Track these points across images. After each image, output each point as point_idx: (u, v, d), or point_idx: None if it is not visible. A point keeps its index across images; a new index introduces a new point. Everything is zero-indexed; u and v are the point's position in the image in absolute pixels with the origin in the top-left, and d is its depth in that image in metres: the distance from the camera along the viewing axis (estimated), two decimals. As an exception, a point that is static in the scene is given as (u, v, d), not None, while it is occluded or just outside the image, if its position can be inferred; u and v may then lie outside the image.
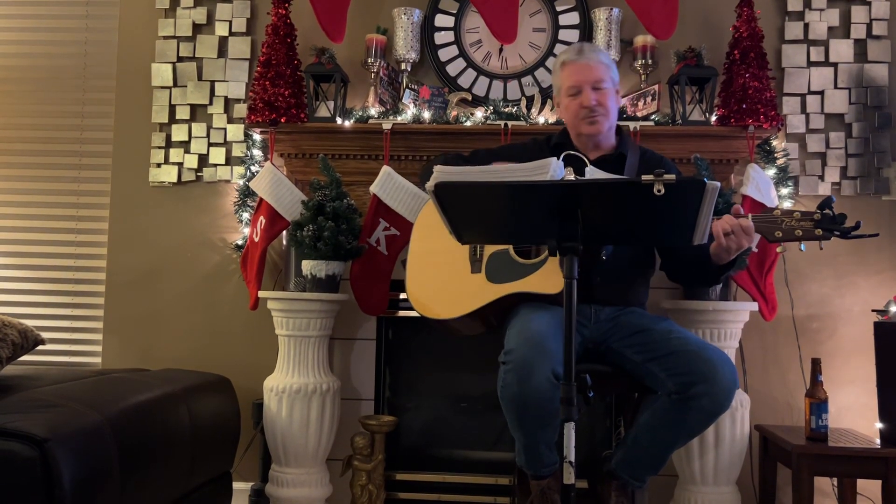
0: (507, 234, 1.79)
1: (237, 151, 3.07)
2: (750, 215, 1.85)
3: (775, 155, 2.83)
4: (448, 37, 3.03)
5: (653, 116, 2.77)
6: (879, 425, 2.46)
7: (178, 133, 3.10)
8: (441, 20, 3.04)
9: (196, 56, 3.13)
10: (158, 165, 3.11)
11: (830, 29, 2.96)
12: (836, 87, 2.95)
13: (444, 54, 3.03)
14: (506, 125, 2.76)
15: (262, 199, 2.77)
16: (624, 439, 2.09)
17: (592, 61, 2.18)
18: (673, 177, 1.36)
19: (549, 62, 2.96)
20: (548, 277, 2.02)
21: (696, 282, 2.46)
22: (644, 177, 1.38)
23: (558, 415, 1.83)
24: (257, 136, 2.97)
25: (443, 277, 2.18)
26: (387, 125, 2.79)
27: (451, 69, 3.02)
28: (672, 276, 2.24)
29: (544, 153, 2.17)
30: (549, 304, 2.01)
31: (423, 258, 2.25)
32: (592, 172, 1.99)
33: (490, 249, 2.16)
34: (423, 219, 2.31)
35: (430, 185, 1.53)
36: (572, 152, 2.15)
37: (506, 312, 2.09)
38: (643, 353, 1.99)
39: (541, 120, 2.79)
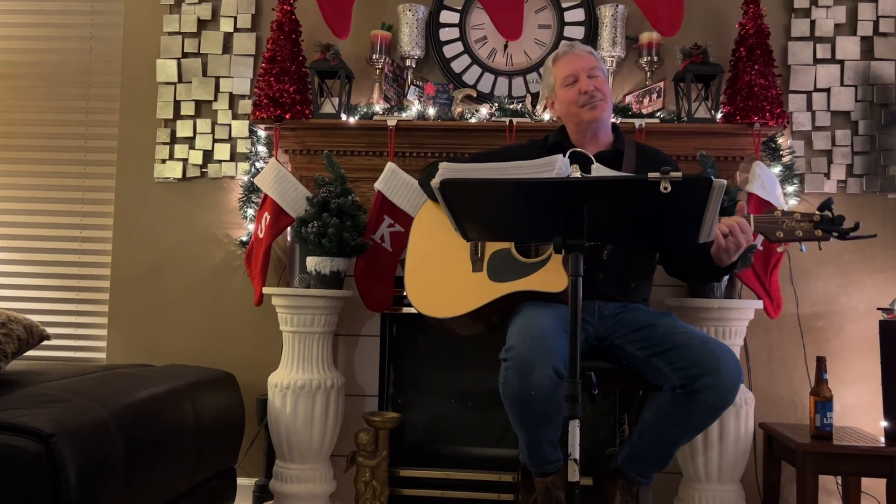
0: (513, 231, 1.78)
1: (242, 148, 3.07)
2: (751, 215, 1.86)
3: (781, 152, 2.82)
4: (453, 33, 3.03)
5: (658, 113, 2.76)
6: (884, 424, 2.46)
7: (183, 129, 3.11)
8: (446, 17, 3.03)
9: (201, 52, 3.13)
10: (163, 161, 3.11)
11: (837, 26, 2.95)
12: (842, 84, 2.94)
13: (449, 51, 3.02)
14: (511, 122, 2.75)
15: (266, 196, 2.77)
16: (629, 436, 2.09)
17: (584, 52, 2.22)
18: (680, 174, 1.36)
19: (555, 59, 2.95)
20: (550, 276, 2.02)
21: (695, 278, 2.44)
22: (650, 174, 1.38)
23: (560, 411, 1.84)
24: (262, 133, 2.97)
25: (444, 276, 2.17)
26: (391, 122, 2.79)
27: (456, 66, 3.01)
28: (670, 272, 2.22)
29: (542, 153, 2.17)
30: (552, 302, 2.01)
31: (423, 257, 2.24)
32: (598, 170, 1.98)
33: (491, 248, 2.15)
34: (422, 218, 2.31)
35: (435, 181, 1.53)
36: (578, 150, 2.14)
37: (508, 311, 2.09)
38: (647, 348, 1.99)
39: (546, 117, 2.78)
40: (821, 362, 2.49)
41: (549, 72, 2.26)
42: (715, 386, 1.85)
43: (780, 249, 1.95)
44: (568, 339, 1.80)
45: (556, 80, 2.23)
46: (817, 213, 1.81)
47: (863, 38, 2.95)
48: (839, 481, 2.70)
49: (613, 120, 2.31)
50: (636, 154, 2.21)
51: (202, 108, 3.12)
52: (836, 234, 1.80)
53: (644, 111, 2.80)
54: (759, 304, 2.60)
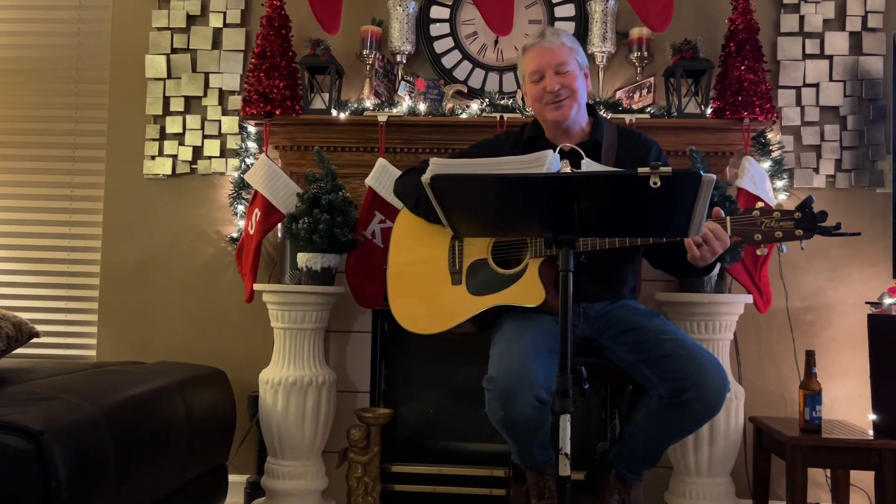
0: (504, 227, 1.78)
1: (232, 144, 3.06)
2: (728, 219, 1.83)
3: (770, 147, 2.83)
4: (443, 28, 3.03)
5: (648, 109, 2.77)
6: (872, 417, 2.48)
7: (173, 125, 3.09)
8: (436, 12, 3.03)
9: (190, 47, 3.11)
10: (153, 158, 3.10)
11: (826, 21, 2.97)
12: (831, 79, 2.95)
13: (439, 46, 3.02)
14: (501, 118, 2.75)
15: (256, 192, 2.76)
16: (620, 434, 2.10)
17: (554, 45, 2.11)
18: (669, 169, 1.36)
19: (545, 54, 2.95)
20: (528, 288, 2.01)
21: (679, 275, 2.45)
22: (640, 169, 1.38)
23: (548, 423, 1.86)
24: (252, 129, 2.96)
25: (424, 290, 2.17)
26: (382, 117, 2.78)
27: (447, 61, 3.01)
28: (654, 265, 2.22)
29: (517, 147, 2.16)
30: (532, 313, 2.01)
31: (403, 269, 2.23)
32: (589, 165, 1.99)
33: (469, 260, 2.14)
34: (399, 228, 2.30)
35: (425, 178, 1.53)
36: (569, 145, 2.13)
37: (492, 319, 2.09)
38: (635, 352, 1.98)
39: (536, 112, 2.78)
40: (810, 356, 2.50)
41: (520, 61, 2.20)
42: (701, 399, 1.86)
43: (759, 252, 1.92)
44: (549, 358, 1.83)
45: (524, 73, 2.18)
46: (798, 211, 1.78)
47: (851, 34, 2.96)
48: (828, 474, 2.73)
49: (602, 113, 2.29)
50: (617, 142, 2.17)
51: (192, 104, 3.11)
52: (818, 231, 1.78)
53: (634, 106, 2.80)
54: (749, 298, 2.61)
